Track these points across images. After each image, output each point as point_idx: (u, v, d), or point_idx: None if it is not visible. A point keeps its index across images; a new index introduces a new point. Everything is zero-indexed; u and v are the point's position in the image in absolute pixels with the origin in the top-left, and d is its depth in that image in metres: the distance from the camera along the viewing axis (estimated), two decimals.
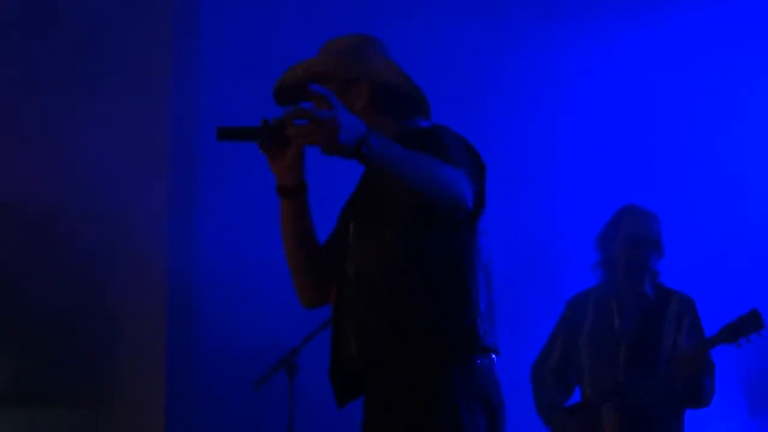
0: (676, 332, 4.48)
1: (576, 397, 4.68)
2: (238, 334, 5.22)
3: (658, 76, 5.75)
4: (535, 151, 5.67)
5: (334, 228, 3.00)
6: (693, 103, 5.71)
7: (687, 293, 4.59)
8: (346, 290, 2.83)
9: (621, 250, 4.56)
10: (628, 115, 5.75)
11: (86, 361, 5.18)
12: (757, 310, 4.33)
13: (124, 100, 5.22)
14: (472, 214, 2.73)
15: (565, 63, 5.70)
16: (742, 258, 5.52)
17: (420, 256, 2.71)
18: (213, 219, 5.36)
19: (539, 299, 5.20)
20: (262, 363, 4.48)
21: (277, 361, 4.39)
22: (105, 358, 5.17)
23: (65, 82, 5.25)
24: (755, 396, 5.43)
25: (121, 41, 5.31)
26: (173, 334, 5.17)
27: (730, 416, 5.37)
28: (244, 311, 5.21)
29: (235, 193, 5.29)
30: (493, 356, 2.76)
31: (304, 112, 2.46)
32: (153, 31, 5.33)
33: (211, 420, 5.34)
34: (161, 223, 5.16)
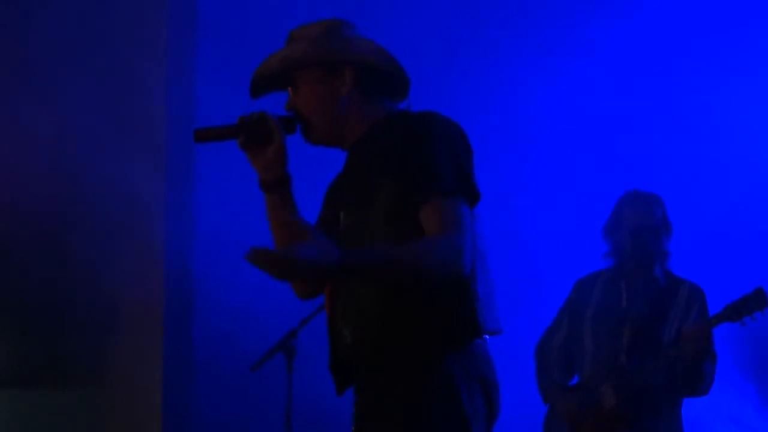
0: (683, 320, 4.47)
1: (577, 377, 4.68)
2: (236, 316, 5.21)
3: (660, 52, 5.72)
4: (527, 134, 5.65)
5: (320, 216, 2.94)
6: (692, 83, 5.67)
7: (697, 283, 4.57)
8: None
9: (626, 238, 4.56)
10: (627, 95, 5.72)
11: (85, 343, 5.18)
12: (762, 288, 4.31)
13: (120, 89, 5.22)
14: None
15: (558, 41, 5.67)
16: (748, 242, 5.49)
17: (414, 238, 2.64)
18: (210, 201, 5.35)
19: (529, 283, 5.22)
20: (260, 346, 4.46)
21: (274, 344, 4.37)
22: (103, 341, 5.18)
23: (60, 70, 5.24)
24: (758, 383, 5.42)
25: (118, 28, 5.29)
26: (171, 316, 5.17)
27: (739, 404, 5.36)
28: (242, 294, 5.19)
29: (232, 174, 5.24)
30: (486, 336, 2.72)
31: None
32: (150, 16, 5.31)
33: (209, 402, 5.33)
34: (159, 207, 5.17)
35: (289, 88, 2.84)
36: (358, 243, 2.72)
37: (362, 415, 2.76)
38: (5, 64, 5.32)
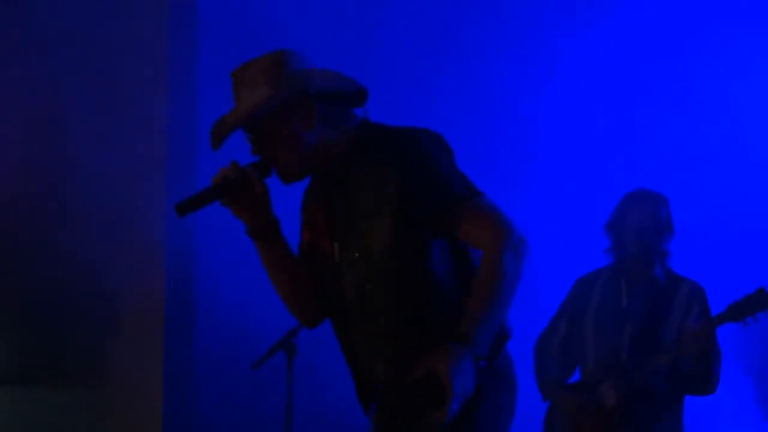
0: (684, 318, 4.47)
1: (577, 375, 4.67)
2: (236, 316, 5.20)
3: (662, 49, 5.71)
4: (524, 134, 5.65)
5: (303, 241, 2.90)
6: (693, 82, 5.67)
7: (697, 281, 4.56)
8: (351, 312, 2.76)
9: (630, 237, 4.56)
10: (625, 93, 5.71)
11: (85, 343, 5.18)
12: (764, 288, 4.30)
13: (120, 90, 5.22)
14: None
15: (559, 38, 5.67)
16: (750, 242, 5.48)
17: (424, 270, 2.66)
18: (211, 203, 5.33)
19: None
20: (260, 345, 4.45)
21: (275, 343, 4.36)
22: (104, 341, 5.18)
23: (60, 70, 5.25)
24: (758, 382, 5.41)
25: (118, 29, 5.29)
26: (171, 316, 5.16)
27: (736, 404, 5.35)
28: (242, 293, 5.19)
29: None
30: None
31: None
32: (150, 16, 5.30)
33: (209, 402, 5.32)
34: (159, 207, 5.16)
35: (251, 136, 2.76)
36: (361, 276, 2.72)
37: (390, 424, 2.76)
38: (5, 63, 5.32)
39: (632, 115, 5.69)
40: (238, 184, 2.71)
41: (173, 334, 5.17)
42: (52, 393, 5.20)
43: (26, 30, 5.30)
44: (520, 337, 4.69)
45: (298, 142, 2.72)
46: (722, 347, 4.42)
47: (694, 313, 4.47)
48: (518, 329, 4.71)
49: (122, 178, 5.08)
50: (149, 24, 5.29)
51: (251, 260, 5.03)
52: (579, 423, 4.47)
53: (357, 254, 2.72)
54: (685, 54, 5.68)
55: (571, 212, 5.49)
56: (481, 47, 5.67)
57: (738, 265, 5.33)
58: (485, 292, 2.55)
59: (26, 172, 5.21)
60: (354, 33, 5.39)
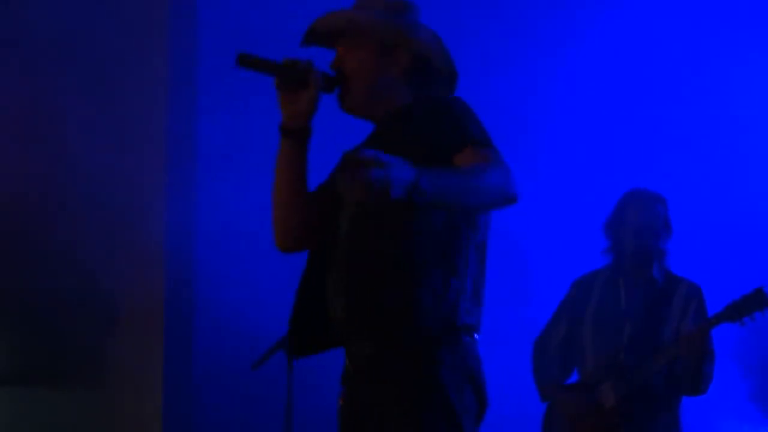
0: (681, 318, 4.49)
1: (576, 376, 4.68)
2: (237, 316, 5.21)
3: (662, 49, 5.72)
4: (521, 133, 5.64)
5: (328, 180, 2.94)
6: (691, 81, 5.67)
7: (695, 281, 4.57)
8: (336, 248, 2.79)
9: (628, 238, 4.57)
10: (623, 92, 5.72)
11: (85, 343, 5.19)
12: (762, 288, 4.31)
13: (120, 89, 5.22)
14: None
15: (557, 36, 5.67)
16: (748, 242, 5.49)
17: (415, 229, 2.67)
18: (211, 200, 5.34)
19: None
20: (261, 345, 4.44)
21: (275, 342, 4.35)
22: (103, 341, 5.17)
23: (60, 70, 5.25)
24: (755, 381, 5.42)
25: (118, 28, 5.29)
26: (171, 315, 5.16)
27: (733, 403, 5.36)
28: (242, 293, 5.20)
29: (233, 174, 5.28)
30: (476, 336, 2.75)
31: (358, 168, 2.33)
32: (150, 16, 5.31)
33: (209, 402, 5.33)
34: (160, 206, 5.16)
35: (340, 49, 2.84)
36: (363, 219, 2.73)
37: (352, 412, 2.80)
38: (3, 62, 5.32)
39: (630, 114, 5.69)
40: (300, 78, 2.75)
41: (173, 334, 5.17)
42: (52, 393, 5.20)
43: (25, 30, 5.30)
44: (518, 337, 4.74)
45: (375, 79, 2.81)
46: (719, 347, 4.43)
47: (690, 313, 4.50)
48: (517, 329, 4.76)
49: (122, 178, 5.09)
50: (149, 24, 5.29)
51: (251, 261, 5.09)
52: (578, 424, 4.48)
53: None
54: (683, 52, 5.70)
55: (570, 213, 5.49)
56: (477, 47, 5.67)
57: (736, 265, 5.33)
58: (459, 171, 2.55)
59: (26, 172, 5.21)
60: None
